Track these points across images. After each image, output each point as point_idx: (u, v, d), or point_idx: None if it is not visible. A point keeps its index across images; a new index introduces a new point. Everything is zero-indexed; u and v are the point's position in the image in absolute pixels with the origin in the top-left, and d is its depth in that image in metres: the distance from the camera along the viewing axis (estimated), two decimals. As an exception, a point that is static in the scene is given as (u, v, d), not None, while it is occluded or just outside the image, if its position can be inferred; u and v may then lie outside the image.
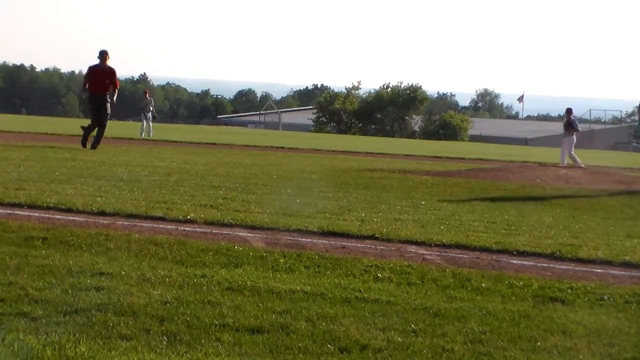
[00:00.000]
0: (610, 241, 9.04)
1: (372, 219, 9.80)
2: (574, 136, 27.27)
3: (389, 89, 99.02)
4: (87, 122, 22.48)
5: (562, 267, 7.52)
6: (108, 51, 21.64)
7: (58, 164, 15.34)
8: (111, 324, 4.79)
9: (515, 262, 7.65)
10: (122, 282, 5.80)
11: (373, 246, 8.04)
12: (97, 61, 21.50)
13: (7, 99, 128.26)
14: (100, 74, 21.30)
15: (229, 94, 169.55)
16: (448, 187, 15.77)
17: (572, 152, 26.73)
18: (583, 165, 24.58)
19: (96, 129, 21.47)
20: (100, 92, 21.26)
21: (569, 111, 28.05)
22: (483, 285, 6.38)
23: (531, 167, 22.43)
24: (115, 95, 21.83)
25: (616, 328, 5.33)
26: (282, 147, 33.91)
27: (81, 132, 21.83)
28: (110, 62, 21.35)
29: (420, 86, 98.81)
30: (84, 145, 21.19)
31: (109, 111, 21.42)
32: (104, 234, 7.63)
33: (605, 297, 6.19)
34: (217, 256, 6.94)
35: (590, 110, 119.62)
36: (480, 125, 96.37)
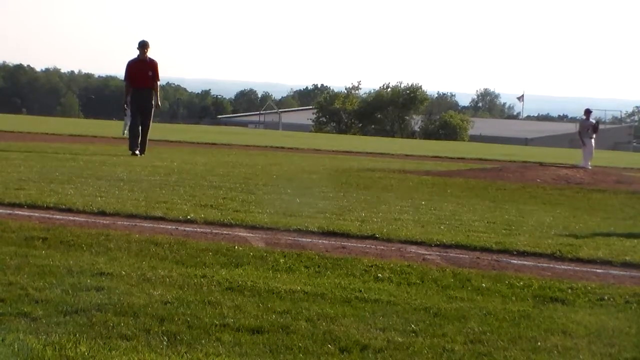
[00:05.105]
0: (610, 241, 9.03)
1: (372, 219, 9.80)
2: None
3: (389, 89, 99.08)
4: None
5: (563, 267, 7.51)
6: (149, 42, 19.42)
7: (58, 164, 15.33)
8: (111, 324, 4.78)
9: (515, 262, 7.65)
10: (122, 282, 5.80)
11: (373, 246, 8.04)
12: (134, 55, 19.41)
13: (7, 99, 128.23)
14: (142, 67, 19.19)
15: (229, 94, 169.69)
16: (448, 187, 15.77)
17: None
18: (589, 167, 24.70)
19: (139, 131, 19.15)
20: (143, 88, 19.11)
21: (590, 112, 27.73)
22: (483, 285, 6.38)
23: (531, 167, 22.42)
24: (159, 95, 19.53)
25: (616, 328, 5.33)
26: (282, 147, 33.91)
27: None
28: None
29: (420, 86, 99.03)
30: (134, 152, 18.94)
31: (152, 114, 19.37)
32: (104, 234, 7.63)
33: (606, 297, 6.19)
34: (217, 256, 6.93)
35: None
36: (480, 125, 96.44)
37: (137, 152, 19.07)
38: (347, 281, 6.29)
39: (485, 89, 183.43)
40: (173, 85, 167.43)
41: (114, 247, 7.09)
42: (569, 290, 6.33)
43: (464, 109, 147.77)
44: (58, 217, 8.81)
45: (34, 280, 5.69)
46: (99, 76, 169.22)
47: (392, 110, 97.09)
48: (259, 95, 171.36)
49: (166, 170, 15.39)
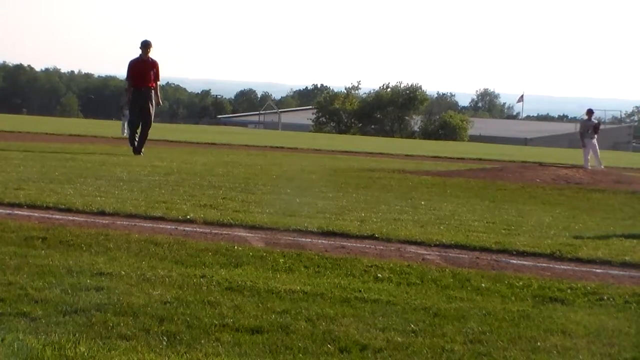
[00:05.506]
0: (609, 241, 9.03)
1: (372, 219, 9.80)
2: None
3: (389, 89, 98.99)
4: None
5: (562, 267, 7.52)
6: (151, 42, 19.65)
7: (58, 164, 15.33)
8: (111, 324, 4.79)
9: (514, 262, 7.65)
10: (121, 282, 5.80)
11: (373, 246, 8.04)
12: (136, 54, 19.64)
13: (7, 99, 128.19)
14: (144, 67, 19.38)
15: (229, 94, 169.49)
16: (448, 187, 15.77)
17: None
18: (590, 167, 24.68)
19: (139, 130, 19.43)
20: (145, 87, 19.30)
21: (592, 112, 27.75)
22: (483, 285, 6.38)
23: (531, 167, 22.42)
24: (160, 94, 19.85)
25: (616, 328, 5.33)
26: (281, 147, 33.89)
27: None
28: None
29: (420, 86, 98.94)
30: (134, 147, 19.30)
31: (152, 112, 19.47)
32: (103, 234, 7.63)
33: (605, 297, 6.19)
34: (216, 256, 6.94)
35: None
36: (480, 126, 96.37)
37: (137, 148, 19.34)
38: (347, 281, 6.29)
39: (485, 89, 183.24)
40: (173, 85, 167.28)
41: (113, 247, 7.09)
42: (569, 290, 6.34)
43: (464, 109, 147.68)
44: (57, 217, 8.81)
45: (33, 280, 5.69)
46: (98, 76, 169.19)
47: (391, 110, 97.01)
48: (259, 95, 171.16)
49: (166, 170, 15.39)
